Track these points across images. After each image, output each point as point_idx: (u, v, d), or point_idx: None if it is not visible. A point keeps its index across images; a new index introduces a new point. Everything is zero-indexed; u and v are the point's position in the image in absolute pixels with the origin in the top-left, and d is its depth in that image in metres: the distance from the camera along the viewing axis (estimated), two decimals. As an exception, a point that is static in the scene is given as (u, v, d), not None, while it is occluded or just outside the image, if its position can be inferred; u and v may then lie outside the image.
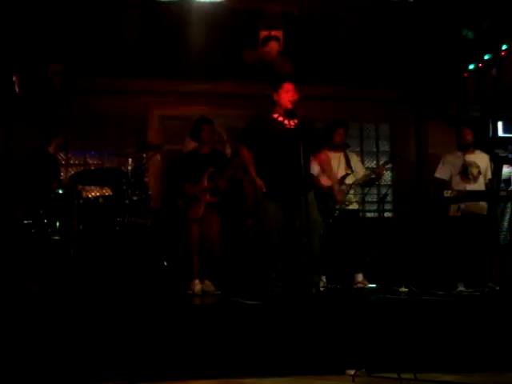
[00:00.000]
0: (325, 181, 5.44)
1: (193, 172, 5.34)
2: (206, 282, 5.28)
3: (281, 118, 4.54)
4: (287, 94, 4.50)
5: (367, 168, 6.03)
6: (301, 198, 4.21)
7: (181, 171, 5.43)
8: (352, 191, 5.61)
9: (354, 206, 5.73)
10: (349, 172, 5.55)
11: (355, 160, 5.79)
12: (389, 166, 6.09)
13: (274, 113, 4.58)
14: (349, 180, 5.55)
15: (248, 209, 6.01)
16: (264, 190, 4.43)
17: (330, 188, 5.25)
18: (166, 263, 5.10)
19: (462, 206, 5.51)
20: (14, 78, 5.42)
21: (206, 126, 5.46)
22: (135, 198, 5.01)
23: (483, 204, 5.53)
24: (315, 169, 5.49)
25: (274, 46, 5.33)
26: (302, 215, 4.19)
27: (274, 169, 4.47)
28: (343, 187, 5.44)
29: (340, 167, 5.54)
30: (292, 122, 4.51)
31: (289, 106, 4.48)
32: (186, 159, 5.53)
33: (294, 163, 4.27)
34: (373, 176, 5.68)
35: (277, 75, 5.43)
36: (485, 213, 5.53)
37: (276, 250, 4.45)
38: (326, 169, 4.92)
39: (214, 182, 5.30)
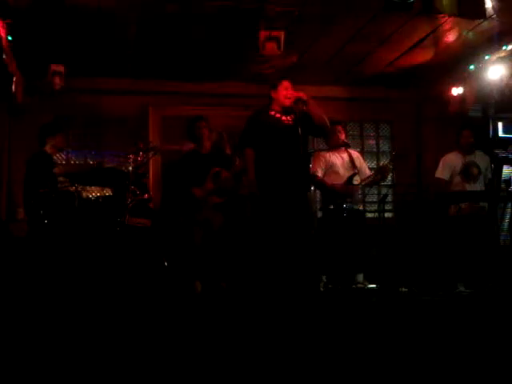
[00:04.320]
0: (329, 181, 5.46)
1: (196, 174, 5.31)
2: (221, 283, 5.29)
3: (278, 115, 4.55)
4: (286, 91, 4.51)
5: (369, 168, 6.02)
6: (300, 194, 4.22)
7: (185, 174, 5.37)
8: (360, 191, 5.62)
9: (358, 206, 5.73)
10: (356, 172, 5.53)
11: (359, 160, 5.78)
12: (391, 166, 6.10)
13: (271, 110, 4.59)
14: (355, 180, 5.53)
15: (248, 215, 6.00)
16: (254, 190, 4.44)
17: (334, 187, 5.29)
18: (166, 264, 5.10)
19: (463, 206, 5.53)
20: (14, 79, 5.41)
21: (200, 123, 5.46)
22: (135, 199, 5.01)
23: (483, 204, 5.54)
24: (319, 170, 5.49)
25: (274, 47, 5.33)
26: (302, 212, 4.21)
27: (274, 165, 4.46)
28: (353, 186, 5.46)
29: (345, 167, 5.53)
30: (290, 118, 4.51)
31: (287, 102, 4.48)
32: (188, 160, 5.46)
33: (293, 159, 4.28)
34: (378, 176, 5.67)
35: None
36: (485, 213, 5.54)
37: (272, 248, 4.44)
38: None
39: (219, 182, 5.28)
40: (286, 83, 4.56)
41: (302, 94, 4.43)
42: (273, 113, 4.58)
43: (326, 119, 4.57)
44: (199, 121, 5.49)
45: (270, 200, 4.43)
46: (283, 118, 4.53)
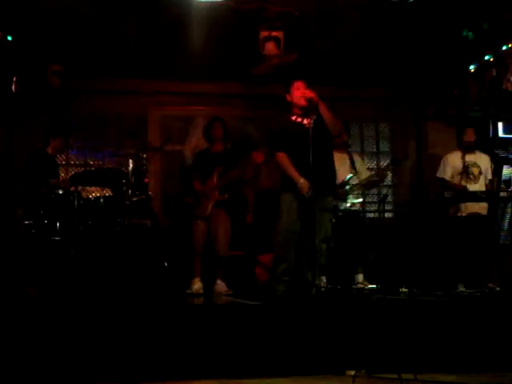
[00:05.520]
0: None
1: (204, 170, 5.47)
2: (219, 281, 5.31)
3: (299, 119, 4.48)
4: (298, 91, 4.46)
5: (369, 169, 6.01)
6: (323, 198, 4.26)
7: (192, 171, 5.59)
8: (355, 192, 5.60)
9: (356, 207, 5.72)
10: (352, 173, 5.52)
11: (359, 162, 5.77)
12: (390, 167, 6.11)
13: (292, 114, 4.55)
14: (352, 181, 5.52)
15: (249, 221, 6.08)
16: (307, 190, 4.32)
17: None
18: (166, 263, 5.09)
19: (463, 206, 5.53)
20: (14, 79, 5.41)
21: (215, 124, 5.63)
22: (135, 199, 5.01)
23: (483, 204, 5.53)
24: None
25: (273, 47, 5.33)
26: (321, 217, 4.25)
27: (302, 170, 4.40)
28: (347, 187, 5.43)
29: (344, 168, 5.52)
30: (310, 121, 4.40)
31: (302, 102, 4.41)
32: (198, 158, 5.65)
33: (317, 163, 4.22)
34: (375, 179, 5.67)
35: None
36: (485, 213, 5.54)
37: (287, 246, 4.44)
38: None
39: (222, 179, 5.36)
40: (297, 84, 4.52)
41: (312, 95, 4.38)
42: (294, 117, 4.54)
43: (336, 123, 4.51)
44: (215, 121, 5.68)
45: (292, 198, 4.43)
46: (304, 121, 4.44)
